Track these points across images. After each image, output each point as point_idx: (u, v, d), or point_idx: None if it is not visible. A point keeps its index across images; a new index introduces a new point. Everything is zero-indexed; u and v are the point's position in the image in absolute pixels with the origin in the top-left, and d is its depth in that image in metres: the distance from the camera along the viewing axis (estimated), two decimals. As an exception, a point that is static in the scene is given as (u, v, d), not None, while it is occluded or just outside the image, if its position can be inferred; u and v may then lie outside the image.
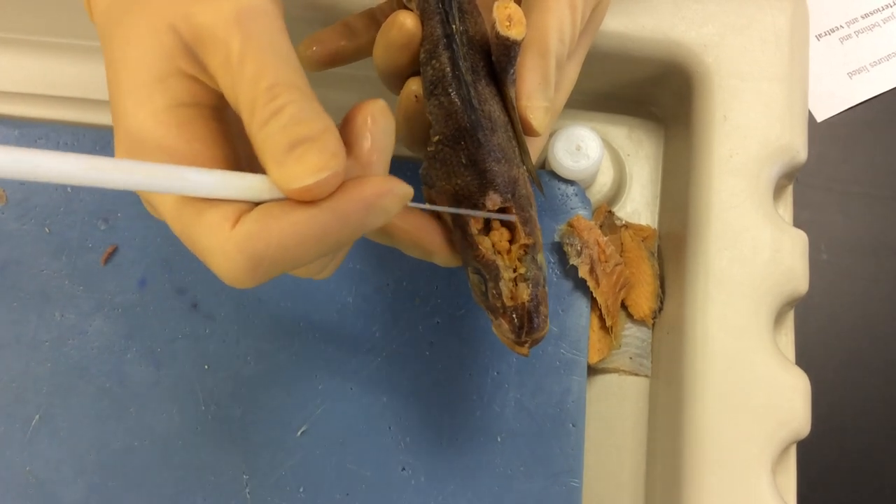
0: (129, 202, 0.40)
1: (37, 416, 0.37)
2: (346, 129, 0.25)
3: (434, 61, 0.28)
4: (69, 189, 0.40)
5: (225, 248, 0.23)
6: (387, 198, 0.23)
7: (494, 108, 0.29)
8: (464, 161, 0.28)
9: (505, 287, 0.28)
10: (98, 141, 0.41)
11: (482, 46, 0.29)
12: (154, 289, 0.39)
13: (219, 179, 0.23)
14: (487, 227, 0.29)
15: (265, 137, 0.23)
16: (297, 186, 0.22)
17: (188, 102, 0.24)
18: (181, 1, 0.24)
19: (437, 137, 0.29)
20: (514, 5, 0.27)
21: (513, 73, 0.28)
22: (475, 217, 0.28)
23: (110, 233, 0.39)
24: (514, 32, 0.27)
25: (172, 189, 0.22)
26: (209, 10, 0.23)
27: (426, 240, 0.29)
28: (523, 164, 0.30)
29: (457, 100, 0.28)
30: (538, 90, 0.29)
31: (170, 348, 0.38)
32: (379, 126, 0.25)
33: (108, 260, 0.39)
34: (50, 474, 0.37)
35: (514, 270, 0.28)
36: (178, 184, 0.22)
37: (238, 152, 0.26)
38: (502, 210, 0.28)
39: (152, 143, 0.24)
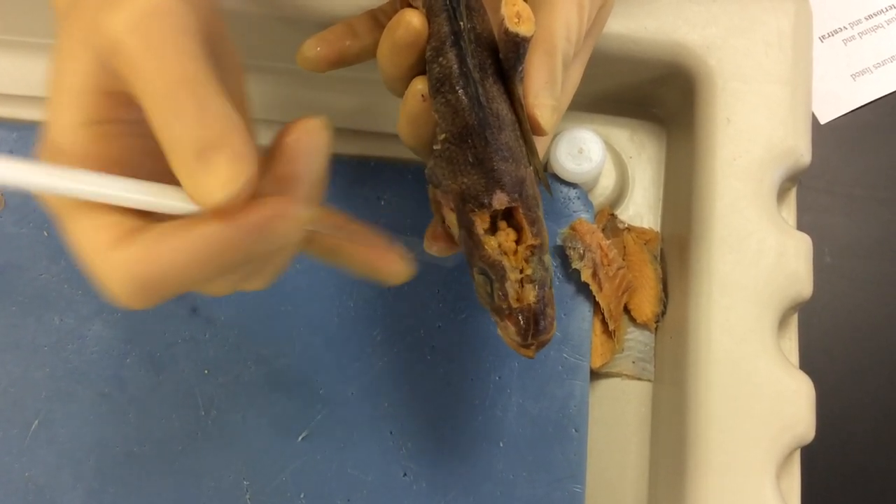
0: (128, 206, 0.39)
1: (36, 422, 0.37)
2: (273, 147, 0.24)
3: (441, 58, 0.28)
4: (68, 192, 0.40)
5: (113, 273, 0.22)
6: (279, 221, 0.22)
7: (502, 106, 0.28)
8: (470, 160, 0.28)
9: (511, 288, 0.28)
10: (97, 144, 0.40)
11: (489, 44, 0.29)
12: (153, 293, 0.38)
13: (122, 186, 0.22)
14: (494, 227, 0.28)
15: (170, 141, 0.22)
16: (210, 202, 0.21)
17: (104, 119, 0.23)
18: (90, 11, 0.23)
19: (443, 136, 0.28)
20: (521, 2, 0.27)
21: (521, 72, 0.28)
22: (481, 215, 0.28)
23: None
24: (523, 29, 0.26)
25: (71, 191, 0.22)
26: (112, 17, 0.22)
27: (377, 257, 0.27)
28: (531, 163, 0.29)
29: (464, 97, 0.27)
30: (545, 88, 0.29)
31: (169, 353, 0.38)
32: (304, 145, 0.23)
33: (107, 264, 0.39)
34: (49, 480, 0.36)
35: (521, 271, 0.28)
36: (78, 186, 0.22)
37: (164, 169, 0.24)
38: (509, 210, 0.28)
39: (69, 155, 0.23)
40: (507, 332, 0.29)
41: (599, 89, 0.43)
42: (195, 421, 0.37)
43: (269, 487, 0.36)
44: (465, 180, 0.28)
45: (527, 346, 0.28)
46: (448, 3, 0.28)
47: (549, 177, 0.40)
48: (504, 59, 0.28)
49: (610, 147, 0.43)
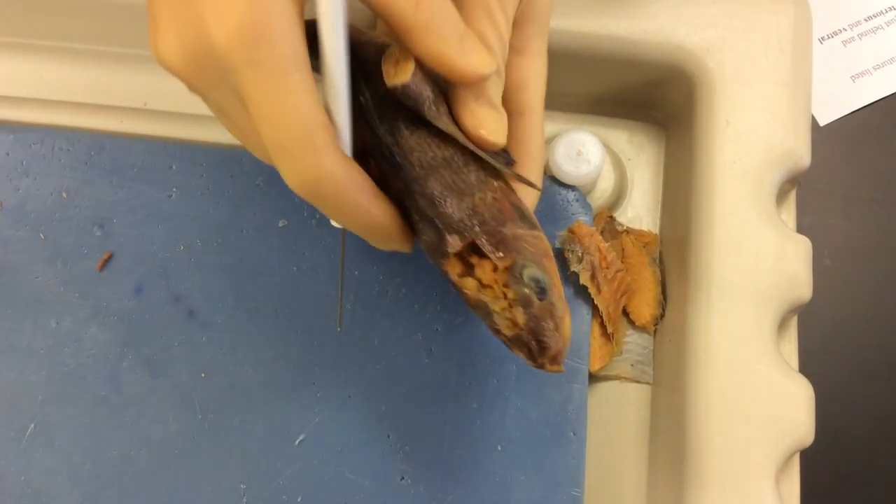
0: (125, 209, 0.39)
1: (32, 425, 0.37)
2: None
3: (363, 134, 0.28)
4: (64, 195, 0.39)
5: (327, 173, 0.25)
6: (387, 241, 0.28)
7: (427, 150, 0.28)
8: (417, 217, 0.28)
9: (499, 319, 0.27)
10: (93, 146, 0.40)
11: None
12: (150, 296, 0.38)
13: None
14: (469, 266, 0.28)
15: (440, 26, 0.25)
16: (477, 70, 0.26)
17: None
18: None
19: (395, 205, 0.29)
20: (395, 49, 0.27)
21: (430, 106, 0.28)
22: (448, 263, 0.27)
23: (106, 239, 0.39)
24: (400, 79, 0.26)
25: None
26: None
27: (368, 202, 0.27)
28: (494, 180, 0.28)
29: (384, 165, 0.28)
30: (480, 108, 0.28)
31: (166, 356, 0.38)
32: None
33: (103, 267, 0.39)
34: (45, 484, 0.36)
35: (505, 297, 0.27)
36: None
37: None
38: (474, 245, 0.27)
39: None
40: (522, 357, 0.28)
41: (598, 91, 0.42)
42: (192, 424, 0.37)
43: (267, 491, 0.36)
44: (424, 238, 0.28)
45: (541, 366, 0.27)
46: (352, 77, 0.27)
47: (547, 179, 0.40)
48: (410, 107, 0.27)
49: (608, 149, 0.43)
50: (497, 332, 0.28)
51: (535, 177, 0.31)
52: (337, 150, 0.25)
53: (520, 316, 0.27)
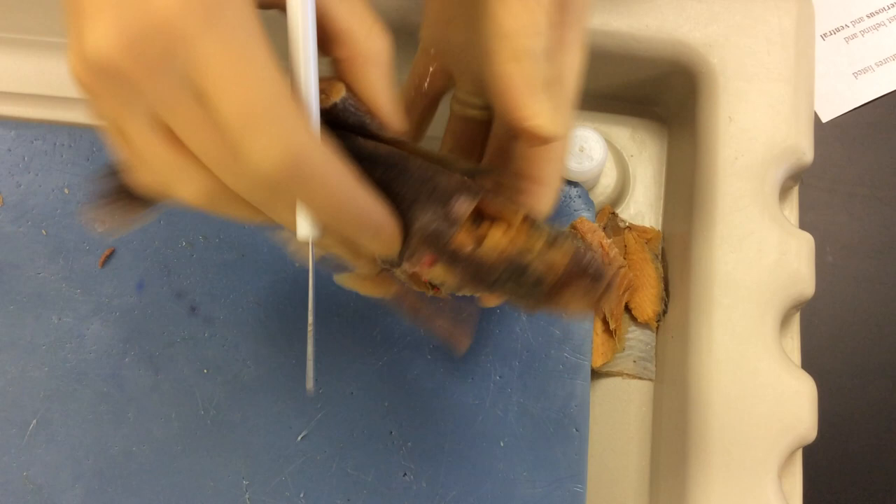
0: (127, 204, 0.39)
1: (34, 421, 0.37)
2: None
3: None
4: (66, 191, 0.39)
5: (307, 147, 0.22)
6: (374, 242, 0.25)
7: (398, 153, 0.26)
8: (406, 205, 0.26)
9: (539, 266, 0.25)
10: (95, 142, 0.40)
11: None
12: (152, 292, 0.38)
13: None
14: (480, 237, 0.25)
15: (381, 60, 0.25)
16: (394, 121, 0.25)
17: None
18: None
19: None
20: (331, 81, 0.25)
21: (371, 119, 0.26)
22: (461, 236, 0.25)
23: (107, 235, 0.39)
24: (333, 100, 0.25)
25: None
26: None
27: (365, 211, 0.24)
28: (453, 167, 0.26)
29: (373, 174, 0.25)
30: (534, 94, 0.26)
31: (168, 352, 0.38)
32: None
33: (105, 263, 0.39)
34: (48, 479, 0.36)
35: (530, 248, 0.25)
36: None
37: None
38: (483, 214, 0.25)
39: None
40: (576, 303, 0.26)
41: (600, 87, 0.42)
42: (194, 420, 0.37)
43: (269, 487, 0.36)
44: (420, 223, 0.25)
45: (605, 294, 0.25)
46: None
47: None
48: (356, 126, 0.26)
49: (611, 145, 0.43)
50: (537, 292, 0.25)
51: (556, 176, 0.29)
52: (311, 127, 0.23)
53: (560, 254, 0.25)
